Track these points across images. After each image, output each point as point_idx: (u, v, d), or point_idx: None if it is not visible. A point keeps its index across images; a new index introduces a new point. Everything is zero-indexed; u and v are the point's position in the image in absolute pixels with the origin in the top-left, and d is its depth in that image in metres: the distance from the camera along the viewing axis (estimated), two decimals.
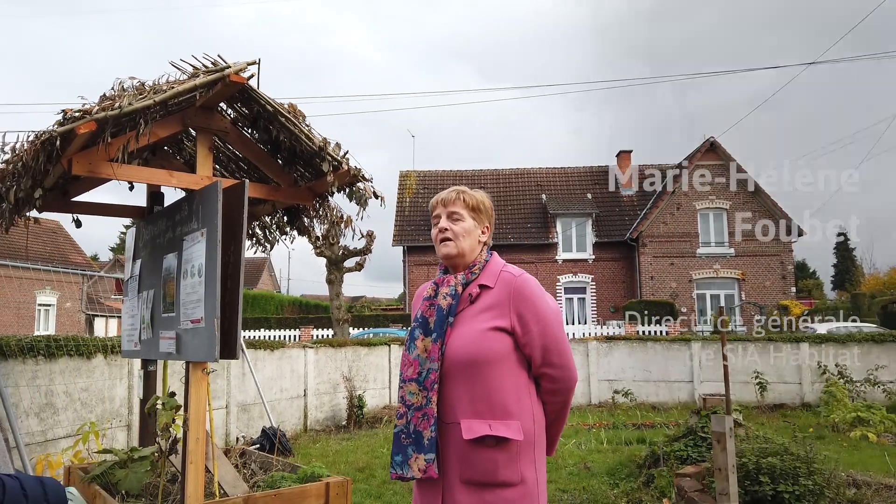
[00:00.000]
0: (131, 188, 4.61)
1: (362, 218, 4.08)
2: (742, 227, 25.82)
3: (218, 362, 3.35)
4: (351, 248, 15.27)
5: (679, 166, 28.56)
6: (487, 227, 2.27)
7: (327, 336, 19.24)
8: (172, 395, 3.54)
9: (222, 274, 3.26)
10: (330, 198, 4.29)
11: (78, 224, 4.45)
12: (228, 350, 3.30)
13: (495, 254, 2.29)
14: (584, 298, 27.67)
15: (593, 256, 27.64)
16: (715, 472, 3.60)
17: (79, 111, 3.02)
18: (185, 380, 3.51)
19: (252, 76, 3.52)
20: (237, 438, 8.30)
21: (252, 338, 18.70)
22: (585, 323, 25.94)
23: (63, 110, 3.00)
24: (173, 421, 3.41)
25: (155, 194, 4.62)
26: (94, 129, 3.05)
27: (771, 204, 25.91)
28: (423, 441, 2.05)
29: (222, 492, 3.70)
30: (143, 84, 3.40)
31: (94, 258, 44.87)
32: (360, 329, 21.73)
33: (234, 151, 4.49)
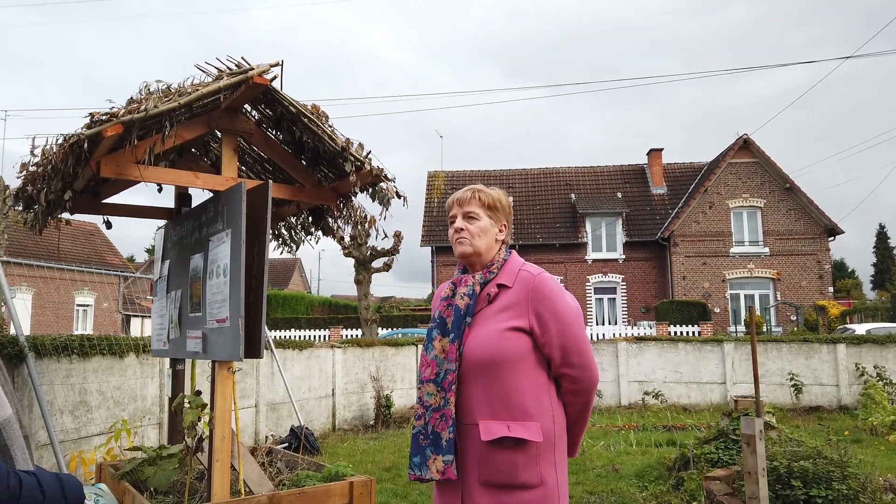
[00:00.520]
0: (160, 190, 4.68)
1: (385, 218, 4.09)
2: (777, 225, 25.34)
3: (242, 361, 3.38)
4: (379, 248, 15.34)
5: (711, 164, 28.13)
6: (505, 225, 2.24)
7: (356, 336, 19.37)
8: (198, 393, 3.59)
9: (246, 274, 3.29)
10: (353, 198, 4.30)
11: (108, 225, 4.54)
12: (253, 349, 3.34)
13: (514, 252, 2.27)
14: (614, 299, 27.38)
15: (623, 256, 27.33)
16: (744, 475, 3.52)
17: (106, 114, 3.07)
18: (210, 379, 3.56)
19: (275, 78, 3.55)
20: (266, 437, 8.39)
21: (282, 337, 18.91)
22: (616, 324, 25.68)
23: (90, 113, 3.06)
24: (199, 419, 3.45)
25: (183, 196, 4.68)
26: (121, 132, 3.11)
27: (807, 202, 25.35)
28: (441, 442, 2.03)
29: (248, 489, 3.73)
30: (168, 87, 3.45)
31: (131, 259, 45.85)
32: (389, 329, 21.81)
33: (260, 153, 4.53)
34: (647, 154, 30.06)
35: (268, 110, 3.95)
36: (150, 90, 3.37)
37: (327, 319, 27.63)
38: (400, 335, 19.10)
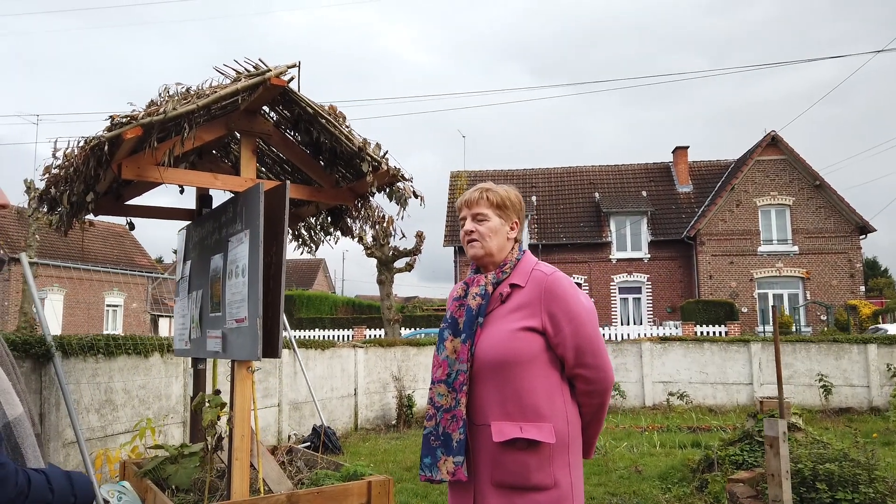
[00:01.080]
0: (181, 191, 4.75)
1: (402, 218, 4.09)
2: (806, 223, 24.88)
3: (260, 361, 3.40)
4: (401, 248, 15.37)
5: (738, 162, 27.72)
6: (516, 222, 2.21)
7: (379, 336, 19.43)
8: (217, 392, 3.62)
9: (264, 274, 3.31)
10: (371, 198, 4.31)
11: (131, 226, 4.60)
12: (270, 349, 3.36)
13: (528, 251, 2.24)
14: (639, 298, 27.12)
15: (649, 255, 27.06)
16: (768, 477, 3.46)
17: (126, 117, 3.12)
18: (230, 378, 3.59)
19: (292, 79, 3.57)
20: (289, 436, 8.45)
21: (306, 337, 19.04)
22: (641, 324, 25.44)
23: (110, 116, 3.11)
24: (218, 418, 3.48)
25: (204, 197, 4.74)
26: (141, 134, 3.15)
27: (837, 199, 24.87)
28: (451, 443, 2.02)
29: (267, 488, 3.76)
30: (187, 89, 3.49)
31: (159, 260, 46.57)
32: (412, 329, 21.85)
33: (279, 154, 4.57)
34: (673, 152, 29.72)
35: (285, 111, 3.97)
36: (170, 93, 3.41)
37: (351, 319, 27.78)
38: (422, 335, 19.13)
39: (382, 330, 18.38)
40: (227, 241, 3.68)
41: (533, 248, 27.25)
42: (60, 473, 1.34)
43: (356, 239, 4.58)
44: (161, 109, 3.18)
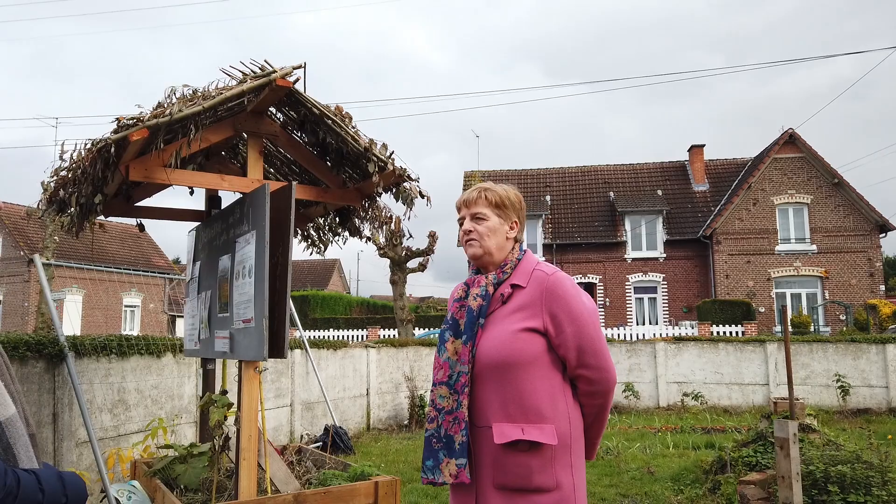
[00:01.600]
0: (191, 193, 4.77)
1: (409, 218, 4.08)
2: (825, 222, 24.57)
3: (267, 361, 3.41)
4: (413, 248, 15.38)
5: (755, 160, 27.43)
6: (516, 222, 2.19)
7: (393, 336, 19.47)
8: (224, 392, 3.64)
9: (270, 274, 3.32)
10: (378, 198, 4.31)
11: (141, 228, 4.64)
12: (277, 349, 3.36)
13: (529, 251, 2.22)
14: (654, 298, 26.92)
15: (664, 255, 26.85)
16: (778, 479, 3.41)
17: (132, 118, 3.14)
18: (237, 378, 3.60)
19: (298, 80, 3.58)
20: (301, 436, 8.48)
21: (320, 337, 19.12)
22: (657, 323, 25.26)
23: (117, 118, 3.12)
24: (225, 418, 3.50)
25: (212, 198, 4.76)
26: (147, 136, 3.17)
27: (857, 197, 24.53)
28: (454, 445, 2.01)
29: (274, 488, 3.77)
30: (194, 91, 3.50)
31: (176, 261, 46.92)
32: (425, 329, 21.86)
33: (286, 155, 4.58)
34: (689, 150, 29.48)
35: (292, 112, 3.98)
36: (176, 94, 3.43)
37: (365, 320, 27.84)
38: (435, 335, 19.12)
39: (396, 330, 18.41)
40: (234, 242, 3.70)
41: (547, 247, 27.15)
42: (52, 474, 1.34)
43: (365, 240, 4.58)
44: (167, 111, 3.19)
